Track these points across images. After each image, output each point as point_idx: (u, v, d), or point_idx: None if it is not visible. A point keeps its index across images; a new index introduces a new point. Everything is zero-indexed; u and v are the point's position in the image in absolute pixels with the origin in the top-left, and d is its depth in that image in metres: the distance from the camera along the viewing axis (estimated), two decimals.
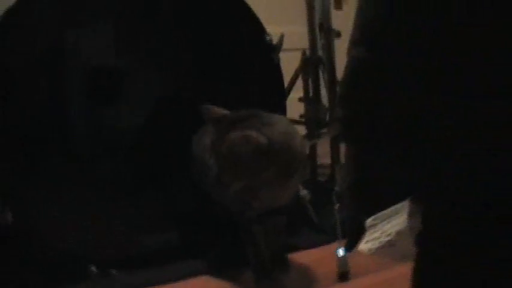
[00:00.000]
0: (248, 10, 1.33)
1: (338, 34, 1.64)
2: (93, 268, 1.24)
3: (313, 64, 1.80)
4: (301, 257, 1.27)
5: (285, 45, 1.47)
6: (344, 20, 1.97)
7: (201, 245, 1.34)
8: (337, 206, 1.23)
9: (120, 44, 1.41)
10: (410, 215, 0.60)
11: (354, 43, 0.59)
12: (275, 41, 1.37)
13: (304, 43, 1.88)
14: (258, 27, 1.34)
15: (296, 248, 1.30)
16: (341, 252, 1.10)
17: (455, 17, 0.52)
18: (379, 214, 0.63)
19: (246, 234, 1.13)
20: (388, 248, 0.60)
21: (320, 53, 1.83)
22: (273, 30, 1.44)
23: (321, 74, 1.80)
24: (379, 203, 0.64)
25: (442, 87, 0.55)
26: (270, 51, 1.34)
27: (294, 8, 2.54)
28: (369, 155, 0.59)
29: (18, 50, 1.27)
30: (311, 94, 1.84)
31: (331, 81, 1.65)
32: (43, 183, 1.28)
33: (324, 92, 1.84)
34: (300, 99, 1.85)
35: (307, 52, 1.84)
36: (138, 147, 1.44)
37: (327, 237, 1.29)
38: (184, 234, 1.36)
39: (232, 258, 1.26)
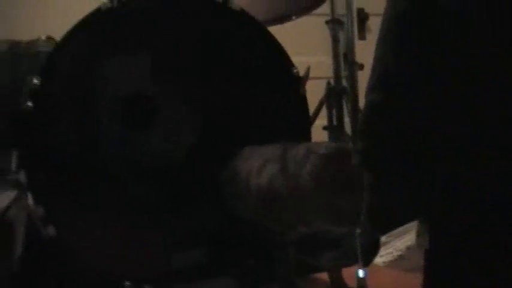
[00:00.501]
0: (277, 44, 1.42)
1: (361, 66, 1.72)
2: (128, 283, 1.32)
3: (337, 94, 1.88)
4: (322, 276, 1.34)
5: (310, 74, 1.55)
6: (367, 49, 2.06)
7: (228, 262, 1.41)
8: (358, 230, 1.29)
9: (154, 74, 1.51)
10: (419, 234, 0.68)
11: (371, 89, 0.67)
12: (302, 73, 1.45)
13: (329, 73, 1.97)
14: (285, 61, 1.42)
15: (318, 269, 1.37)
16: (361, 273, 1.16)
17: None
18: (392, 232, 0.70)
19: (280, 255, 1.16)
20: (399, 261, 0.68)
21: (344, 83, 1.91)
22: (298, 60, 1.52)
23: (344, 103, 1.88)
24: (392, 223, 0.71)
25: (451, 116, 0.63)
26: (297, 83, 1.42)
27: (319, 39, 2.64)
28: (383, 181, 0.67)
29: (62, 77, 1.39)
30: (335, 123, 1.91)
31: (354, 110, 1.73)
32: (81, 202, 1.38)
33: (347, 121, 1.93)
34: (325, 128, 1.92)
35: (332, 82, 1.93)
36: (169, 170, 1.53)
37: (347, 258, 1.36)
38: (212, 252, 1.44)
39: (258, 276, 1.34)
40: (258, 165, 1.13)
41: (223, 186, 1.30)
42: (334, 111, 1.93)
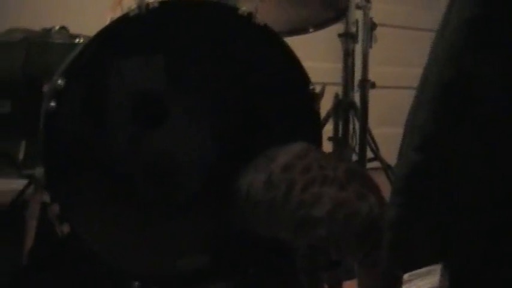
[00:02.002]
0: (297, 61, 1.45)
1: (373, 85, 1.77)
2: (137, 284, 1.36)
3: (345, 107, 1.93)
4: None
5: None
6: (373, 59, 2.10)
7: (233, 270, 1.45)
8: None
9: (175, 81, 1.54)
10: (442, 276, 0.73)
11: (414, 149, 0.72)
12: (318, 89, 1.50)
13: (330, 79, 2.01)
14: (303, 77, 1.46)
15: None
16: None
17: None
18: (415, 272, 0.75)
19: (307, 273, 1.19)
20: None
21: (351, 96, 1.96)
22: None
23: (351, 117, 1.94)
24: (414, 263, 0.76)
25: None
26: (312, 100, 1.46)
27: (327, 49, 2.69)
28: (411, 228, 0.72)
29: (84, 78, 1.41)
30: (340, 135, 1.97)
31: (363, 128, 1.78)
32: (95, 201, 1.41)
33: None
34: (330, 139, 1.97)
35: (340, 95, 1.98)
36: (181, 171, 1.57)
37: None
38: (218, 258, 1.48)
39: (258, 285, 1.38)
40: (303, 183, 1.16)
41: (237, 196, 1.33)
42: (340, 124, 1.99)
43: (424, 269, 0.74)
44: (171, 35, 1.45)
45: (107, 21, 1.92)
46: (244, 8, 1.43)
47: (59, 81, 1.30)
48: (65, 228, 1.31)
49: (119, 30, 1.37)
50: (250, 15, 1.42)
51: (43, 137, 1.33)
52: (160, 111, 1.55)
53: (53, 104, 1.30)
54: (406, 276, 0.76)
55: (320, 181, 1.15)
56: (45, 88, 1.59)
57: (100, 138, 1.48)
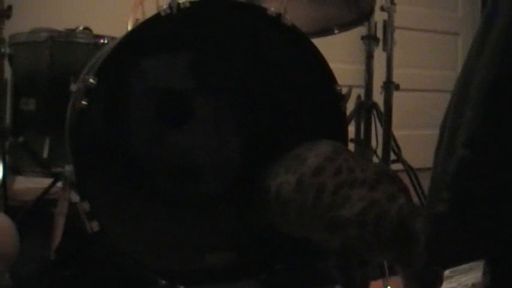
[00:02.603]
0: (324, 61, 1.46)
1: (397, 87, 1.78)
2: (163, 281, 1.36)
3: (367, 109, 1.94)
4: None
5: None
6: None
7: (259, 267, 1.46)
8: None
9: (196, 76, 1.55)
10: (484, 272, 0.74)
11: (462, 145, 0.73)
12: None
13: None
14: (330, 78, 1.47)
15: None
16: None
17: None
18: (456, 268, 0.76)
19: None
20: None
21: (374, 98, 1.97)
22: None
23: (373, 118, 1.94)
24: (455, 259, 0.77)
25: None
26: (339, 100, 1.47)
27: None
28: (456, 224, 0.73)
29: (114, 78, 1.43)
30: (362, 136, 1.97)
31: (387, 129, 1.78)
32: (123, 198, 1.43)
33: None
34: (351, 140, 1.98)
35: (362, 96, 1.99)
36: (207, 169, 1.58)
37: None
38: (245, 255, 1.48)
39: (284, 282, 1.39)
40: (333, 186, 1.17)
41: (266, 196, 1.33)
42: (362, 125, 2.00)
43: (466, 265, 0.75)
44: (200, 34, 1.46)
45: (128, 23, 1.96)
46: (273, 8, 1.44)
47: (91, 80, 1.32)
48: (94, 226, 1.32)
49: (150, 30, 1.39)
50: (279, 16, 1.43)
51: (74, 135, 1.35)
52: (187, 110, 1.57)
53: (84, 102, 1.32)
54: (447, 272, 0.77)
55: (350, 183, 1.16)
56: (73, 87, 1.61)
57: (127, 136, 1.49)
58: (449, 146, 0.76)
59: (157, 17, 1.35)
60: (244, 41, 1.50)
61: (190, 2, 1.35)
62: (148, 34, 1.39)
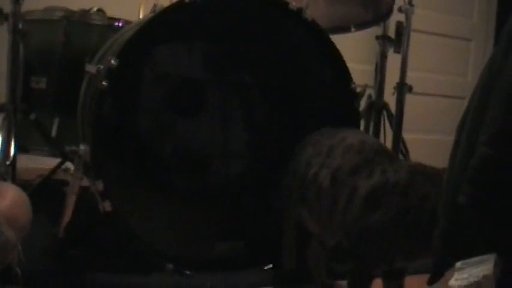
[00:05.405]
0: (341, 58, 1.47)
1: (410, 88, 1.79)
2: (170, 265, 1.37)
3: (378, 109, 1.95)
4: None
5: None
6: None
7: (268, 257, 1.47)
8: None
9: (213, 66, 1.56)
10: (496, 265, 0.76)
11: (484, 143, 0.76)
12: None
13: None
14: (346, 75, 1.48)
15: None
16: None
17: None
18: (468, 260, 0.78)
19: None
20: (474, 287, 0.76)
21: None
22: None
23: (383, 118, 1.96)
24: (467, 251, 0.79)
25: None
26: (353, 97, 1.48)
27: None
28: (472, 218, 0.77)
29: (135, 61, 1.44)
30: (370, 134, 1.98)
31: (397, 129, 1.79)
32: (136, 181, 1.44)
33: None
34: None
35: (373, 95, 2.00)
36: (219, 159, 1.60)
37: None
38: (254, 245, 1.49)
39: (295, 275, 1.40)
40: (366, 191, 1.12)
41: (287, 189, 1.32)
42: (371, 125, 2.01)
43: (477, 258, 0.77)
44: (220, 24, 1.47)
45: (141, 6, 1.95)
46: (294, 3, 1.45)
47: (112, 61, 1.32)
48: (107, 205, 1.33)
49: (173, 16, 1.39)
50: (300, 10, 1.44)
51: (93, 115, 1.35)
52: (201, 100, 1.58)
53: (104, 83, 1.32)
54: (458, 264, 0.79)
55: (381, 187, 1.12)
56: (90, 68, 1.61)
57: (140, 120, 1.50)
58: (468, 145, 0.79)
59: (181, 4, 1.36)
60: (263, 34, 1.51)
61: None
62: (170, 20, 1.40)
